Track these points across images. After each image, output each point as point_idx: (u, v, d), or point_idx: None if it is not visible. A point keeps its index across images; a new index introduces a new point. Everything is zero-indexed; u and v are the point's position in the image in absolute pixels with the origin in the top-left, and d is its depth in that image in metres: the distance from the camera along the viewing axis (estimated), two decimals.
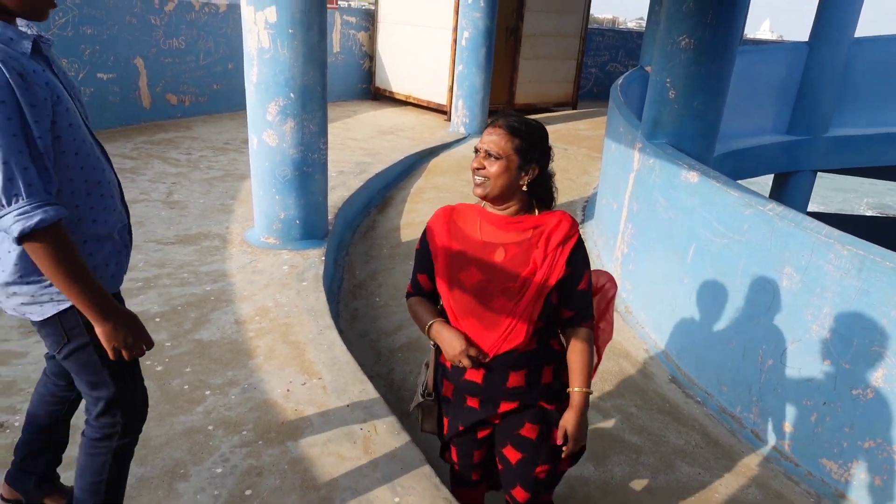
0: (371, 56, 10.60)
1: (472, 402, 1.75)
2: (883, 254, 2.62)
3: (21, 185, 1.30)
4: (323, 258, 3.99)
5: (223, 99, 8.47)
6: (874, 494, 2.66)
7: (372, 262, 4.82)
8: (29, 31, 1.42)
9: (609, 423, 3.17)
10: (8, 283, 1.49)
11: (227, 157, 6.28)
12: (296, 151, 3.98)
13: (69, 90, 1.49)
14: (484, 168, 1.61)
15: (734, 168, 7.44)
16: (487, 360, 1.65)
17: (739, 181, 7.88)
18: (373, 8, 10.47)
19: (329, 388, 2.70)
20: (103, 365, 1.59)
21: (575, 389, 1.70)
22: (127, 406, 1.69)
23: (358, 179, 5.83)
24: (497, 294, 1.62)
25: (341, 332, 3.83)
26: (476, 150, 1.64)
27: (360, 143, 7.41)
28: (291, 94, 3.87)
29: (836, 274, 2.75)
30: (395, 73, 10.24)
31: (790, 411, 2.99)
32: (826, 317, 2.80)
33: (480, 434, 1.83)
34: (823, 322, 2.81)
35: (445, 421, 1.84)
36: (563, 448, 1.71)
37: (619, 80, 5.97)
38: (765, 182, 10.20)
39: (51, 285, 1.49)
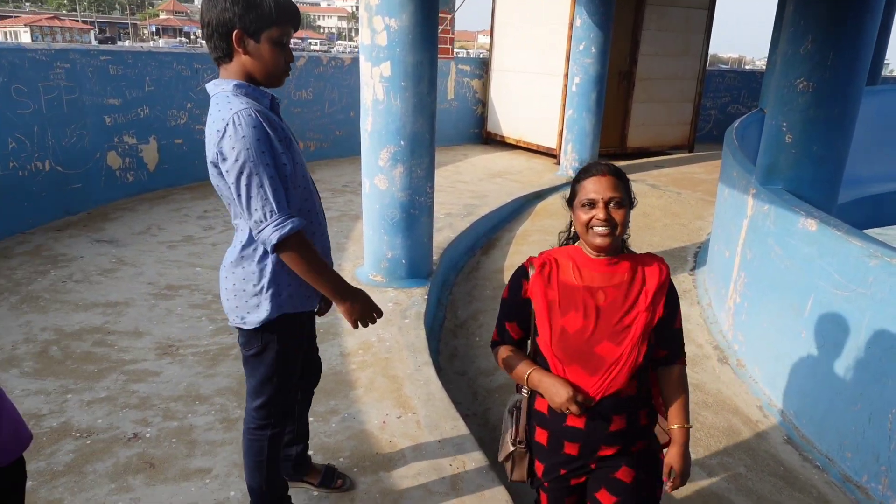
0: (484, 102, 10.93)
1: (570, 449, 1.72)
2: None
3: (273, 203, 1.67)
4: (426, 297, 4.14)
5: (344, 144, 9.06)
6: None
7: (474, 303, 4.92)
8: (267, 91, 1.84)
9: (714, 481, 3.00)
10: (252, 293, 1.83)
11: (344, 199, 6.69)
12: (404, 195, 4.21)
13: (292, 137, 1.87)
14: (610, 218, 1.60)
15: (872, 214, 6.89)
16: (592, 405, 1.63)
17: (879, 228, 7.30)
18: (486, 56, 10.85)
19: (423, 423, 2.79)
20: (275, 373, 1.91)
21: (675, 427, 1.74)
22: (279, 406, 1.98)
23: (465, 221, 6.00)
24: (602, 338, 1.62)
25: (440, 370, 3.94)
26: (590, 203, 1.60)
27: (469, 186, 7.62)
28: (402, 142, 4.11)
29: None
30: (507, 117, 10.48)
31: None
32: None
33: (574, 481, 1.79)
34: None
35: (539, 466, 1.81)
36: (668, 485, 1.75)
37: (736, 124, 5.77)
38: None
39: (268, 298, 1.83)
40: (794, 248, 3.59)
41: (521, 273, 1.74)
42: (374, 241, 4.37)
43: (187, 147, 7.01)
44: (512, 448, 1.81)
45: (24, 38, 52.43)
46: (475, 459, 2.56)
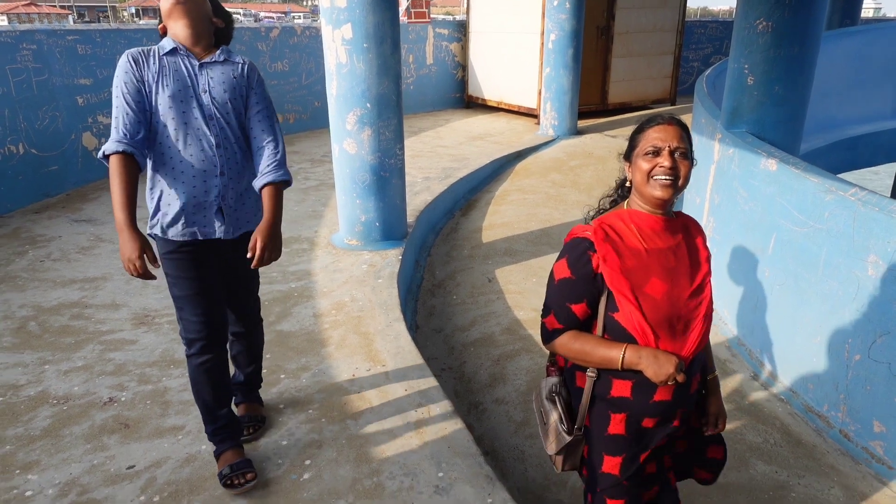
0: (464, 66, 10.85)
1: (647, 423, 1.62)
2: None
3: (114, 122, 1.98)
4: (400, 257, 4.20)
5: (323, 115, 8.97)
6: None
7: (452, 263, 4.98)
8: (180, 44, 2.08)
9: None
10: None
11: (323, 169, 6.71)
12: (373, 157, 4.24)
13: (195, 90, 2.05)
14: (675, 166, 1.51)
15: (847, 157, 6.91)
16: (686, 367, 1.55)
17: (855, 171, 7.33)
18: (464, 19, 10.73)
19: (391, 375, 2.87)
20: (171, 293, 2.15)
21: (709, 377, 1.78)
22: (188, 331, 2.18)
23: (443, 184, 6.03)
24: (684, 298, 1.56)
25: (417, 328, 4.03)
26: (654, 151, 1.52)
27: (449, 150, 7.62)
28: (368, 105, 4.12)
29: None
30: (487, 80, 10.42)
31: (881, 409, 2.79)
32: None
33: (648, 470, 1.70)
34: None
35: (613, 462, 1.64)
36: (711, 432, 1.76)
37: (708, 71, 5.76)
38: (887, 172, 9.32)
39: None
40: (757, 189, 3.63)
41: (585, 246, 1.56)
42: (346, 205, 4.41)
43: None
44: (569, 438, 1.67)
45: (2, 23, 51.55)
46: (441, 405, 2.65)
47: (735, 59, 4.05)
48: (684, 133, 1.55)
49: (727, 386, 3.40)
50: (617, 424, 1.61)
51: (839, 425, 3.00)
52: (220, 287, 2.22)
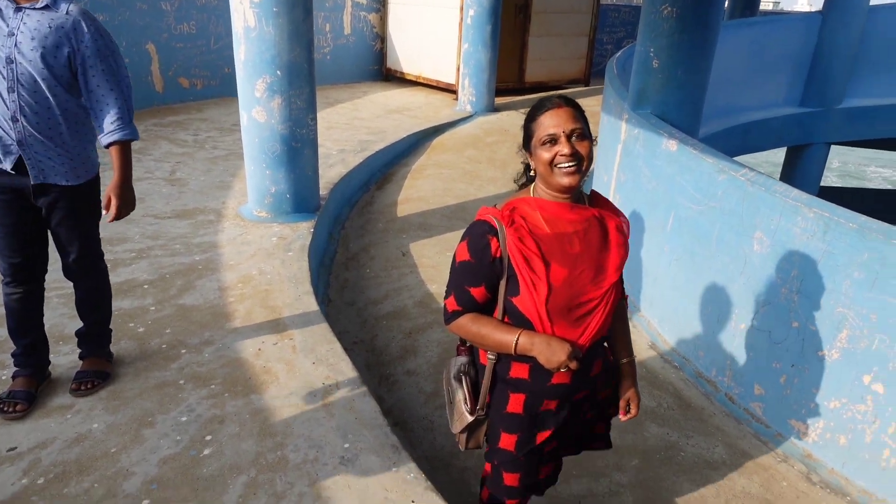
0: (382, 37, 10.66)
1: (548, 406, 1.64)
2: (847, 215, 2.62)
3: None
4: (311, 230, 4.12)
5: (234, 82, 8.63)
6: (840, 454, 2.69)
7: (366, 236, 4.94)
8: None
9: None
10: None
11: (233, 138, 6.45)
12: (284, 127, 4.10)
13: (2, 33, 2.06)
14: (575, 152, 1.46)
15: (743, 141, 7.35)
16: (581, 355, 1.55)
17: (750, 154, 7.83)
18: None
19: (298, 348, 2.83)
20: None
21: (625, 361, 1.77)
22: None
23: (358, 157, 5.94)
24: (585, 285, 1.53)
25: (329, 302, 3.98)
26: (551, 139, 1.47)
27: (366, 123, 7.51)
28: (278, 72, 3.98)
29: (803, 237, 2.76)
30: (406, 53, 10.30)
31: (761, 374, 3.02)
32: (794, 280, 2.82)
33: (547, 448, 1.73)
34: (791, 285, 2.83)
35: (510, 439, 1.67)
36: (625, 418, 1.76)
37: (618, 54, 5.94)
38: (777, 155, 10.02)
39: None
40: (659, 169, 3.80)
41: (485, 230, 1.53)
42: (256, 176, 4.26)
43: None
44: (471, 417, 1.68)
45: None
46: (348, 377, 2.64)
47: (642, 42, 4.20)
48: (577, 112, 1.50)
49: None
50: (515, 404, 1.63)
51: (725, 389, 3.23)
52: (31, 231, 2.29)
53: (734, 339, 3.17)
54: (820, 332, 2.71)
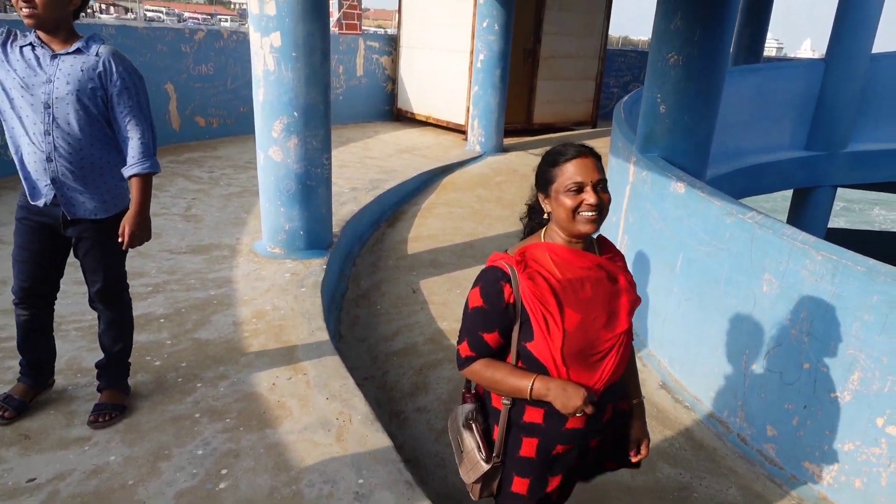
0: (394, 79, 10.92)
1: (562, 450, 1.63)
2: (855, 258, 2.66)
3: None
4: (324, 267, 4.18)
5: (249, 121, 8.76)
6: (856, 497, 2.67)
7: (377, 273, 5.00)
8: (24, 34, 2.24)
9: None
10: None
11: (247, 175, 6.58)
12: (299, 166, 4.21)
13: (39, 80, 2.18)
14: (600, 201, 1.50)
15: (750, 183, 7.43)
16: (596, 399, 1.56)
17: (756, 196, 7.89)
18: (395, 33, 10.82)
19: (312, 383, 2.86)
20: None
21: (635, 401, 1.79)
22: (16, 285, 2.44)
23: (369, 195, 6.04)
24: (599, 329, 1.54)
25: (341, 337, 4.01)
26: (577, 188, 1.49)
27: (377, 162, 7.65)
28: (295, 113, 4.10)
29: (811, 279, 2.80)
30: (417, 94, 10.53)
31: (773, 415, 3.02)
32: (804, 321, 2.84)
33: (550, 487, 1.70)
34: (801, 326, 2.85)
35: (522, 483, 1.65)
36: (636, 458, 1.77)
37: (625, 98, 6.08)
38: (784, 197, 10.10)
39: None
40: (667, 211, 3.87)
41: (498, 276, 1.54)
42: (270, 213, 4.35)
43: None
44: (488, 466, 1.65)
45: None
46: (361, 412, 2.66)
47: (649, 88, 4.32)
48: (600, 163, 1.53)
49: None
50: (528, 448, 1.62)
51: (737, 430, 3.22)
52: (52, 260, 2.43)
53: (746, 380, 3.18)
54: (831, 374, 2.72)
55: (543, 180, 1.57)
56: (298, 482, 2.23)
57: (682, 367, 3.67)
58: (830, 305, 2.71)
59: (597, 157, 1.54)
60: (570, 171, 1.50)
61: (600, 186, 1.50)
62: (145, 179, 2.33)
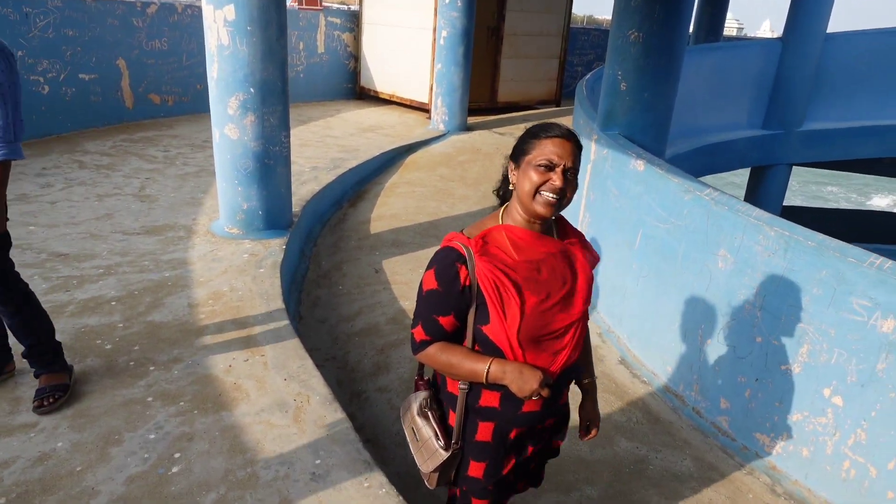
0: (356, 56, 10.73)
1: (518, 433, 1.62)
2: (806, 234, 2.72)
3: None
4: (283, 247, 4.10)
5: (206, 99, 8.56)
6: (803, 465, 2.76)
7: (339, 254, 4.94)
8: None
9: None
10: None
11: (204, 154, 6.41)
12: (257, 144, 4.10)
13: None
14: (564, 188, 1.45)
15: (708, 162, 7.55)
16: (552, 381, 1.54)
17: (714, 175, 8.03)
18: (357, 9, 10.61)
19: (269, 364, 2.81)
20: None
21: (586, 381, 1.79)
22: None
23: (330, 175, 5.95)
24: (555, 311, 1.52)
25: (301, 319, 3.96)
26: (548, 165, 1.45)
27: (339, 141, 7.53)
28: (251, 89, 3.99)
29: (764, 255, 2.86)
30: (380, 72, 10.38)
31: (726, 388, 3.09)
32: (757, 296, 2.90)
33: (506, 469, 1.68)
34: (755, 301, 2.91)
35: (478, 467, 1.64)
36: (585, 437, 1.78)
37: (587, 76, 6.08)
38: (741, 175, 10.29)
39: None
40: (626, 188, 3.89)
41: (454, 258, 1.49)
42: (227, 192, 4.24)
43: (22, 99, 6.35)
44: (447, 454, 1.61)
45: None
46: (320, 393, 2.63)
47: (610, 65, 4.32)
48: (579, 152, 1.49)
49: (596, 371, 3.62)
50: (484, 432, 1.60)
51: (692, 403, 3.30)
52: None
53: (701, 355, 3.25)
54: (782, 347, 2.79)
55: (520, 150, 1.52)
56: (254, 464, 2.20)
57: (640, 342, 3.73)
58: (783, 280, 2.77)
59: (578, 146, 1.50)
60: (548, 148, 1.45)
61: (570, 173, 1.46)
62: None
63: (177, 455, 2.22)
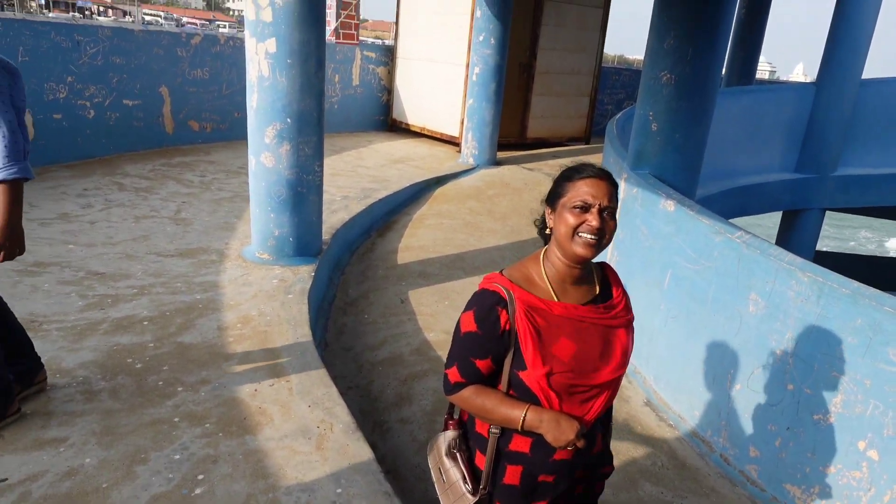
0: (389, 89, 10.96)
1: (545, 478, 1.58)
2: (840, 281, 2.67)
3: None
4: (312, 274, 4.16)
5: (242, 127, 8.79)
6: None
7: (366, 282, 4.98)
8: None
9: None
10: None
11: (239, 180, 6.56)
12: (291, 173, 4.20)
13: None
14: (602, 228, 1.43)
15: (739, 204, 7.49)
16: (587, 431, 1.52)
17: (745, 217, 7.96)
18: (392, 44, 10.88)
19: (295, 390, 2.83)
20: None
21: None
22: None
23: (361, 204, 6.03)
24: (595, 358, 1.49)
25: (326, 346, 3.99)
26: (583, 206, 1.44)
27: (370, 171, 7.65)
28: (288, 119, 4.10)
29: (797, 300, 2.81)
30: (412, 105, 10.57)
31: (756, 436, 3.02)
32: (788, 342, 2.85)
33: None
34: (786, 347, 2.86)
35: None
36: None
37: (618, 115, 6.12)
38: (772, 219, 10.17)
39: None
40: (656, 228, 3.88)
41: (494, 301, 1.48)
42: (260, 219, 4.33)
43: (67, 123, 6.62)
44: (474, 498, 1.57)
45: None
46: (343, 422, 2.63)
47: (641, 105, 4.35)
48: (614, 191, 1.48)
49: (622, 411, 3.56)
50: (512, 476, 1.57)
51: (720, 450, 3.22)
52: None
53: (730, 400, 3.18)
54: (815, 396, 2.72)
55: (555, 193, 1.52)
56: (276, 490, 2.20)
57: (668, 385, 3.67)
58: (815, 327, 2.72)
59: (613, 185, 1.48)
60: (582, 190, 1.45)
61: (608, 212, 1.44)
62: (10, 187, 2.13)
63: (200, 477, 2.23)
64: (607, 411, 1.66)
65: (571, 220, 1.44)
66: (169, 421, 2.54)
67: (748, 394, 3.06)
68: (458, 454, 1.62)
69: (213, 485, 2.20)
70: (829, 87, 7.85)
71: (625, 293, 1.64)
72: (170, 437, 2.44)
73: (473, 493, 1.57)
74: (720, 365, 3.24)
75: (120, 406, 2.60)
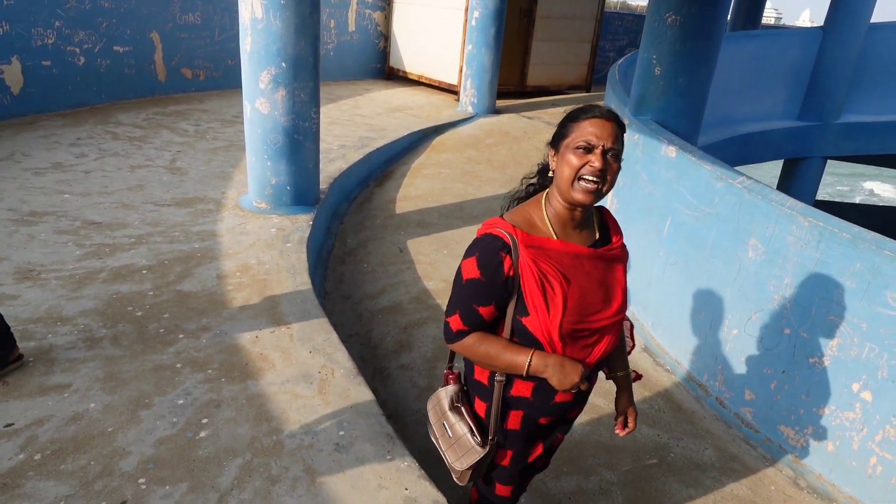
0: (386, 36, 10.69)
1: (545, 421, 1.60)
2: (841, 225, 2.66)
3: None
4: (310, 223, 4.13)
5: (236, 74, 8.63)
6: (828, 460, 2.72)
7: (364, 232, 4.96)
8: None
9: None
10: None
11: (234, 129, 6.46)
12: (287, 119, 4.12)
13: None
14: (605, 169, 1.38)
15: (741, 152, 7.40)
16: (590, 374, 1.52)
17: (746, 166, 7.91)
18: None
19: (295, 337, 2.85)
20: None
21: (621, 374, 1.75)
22: None
23: (358, 153, 5.96)
24: (597, 302, 1.48)
25: (326, 294, 4.00)
26: (587, 147, 1.39)
27: (367, 120, 7.53)
28: (283, 64, 4.00)
29: (797, 245, 2.80)
30: (409, 52, 10.33)
31: (752, 379, 3.06)
32: (787, 287, 2.85)
33: (536, 454, 1.69)
34: (784, 292, 2.87)
35: (507, 454, 1.64)
36: (623, 431, 1.74)
37: (620, 61, 5.99)
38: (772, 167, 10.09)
39: None
40: (657, 174, 3.84)
41: (498, 246, 1.43)
42: (257, 167, 4.28)
43: (57, 70, 6.46)
44: (484, 450, 1.57)
45: None
46: (344, 367, 2.66)
47: (645, 49, 4.24)
48: (621, 132, 1.43)
49: None
50: (514, 421, 1.58)
51: (716, 393, 3.27)
52: None
53: (726, 344, 3.21)
54: (811, 340, 2.75)
55: (559, 134, 1.47)
56: (279, 433, 2.23)
57: (665, 330, 3.70)
58: (814, 271, 2.72)
59: (620, 126, 1.43)
60: (587, 130, 1.39)
61: (611, 153, 1.39)
62: None
63: (204, 420, 2.27)
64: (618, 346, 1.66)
65: (574, 160, 1.39)
66: (171, 367, 2.56)
67: (745, 338, 3.08)
68: (462, 407, 1.61)
69: (218, 428, 2.23)
70: (836, 32, 7.66)
71: (624, 245, 1.62)
72: (173, 382, 2.46)
73: (483, 445, 1.57)
74: (718, 310, 3.26)
75: (122, 353, 2.62)
